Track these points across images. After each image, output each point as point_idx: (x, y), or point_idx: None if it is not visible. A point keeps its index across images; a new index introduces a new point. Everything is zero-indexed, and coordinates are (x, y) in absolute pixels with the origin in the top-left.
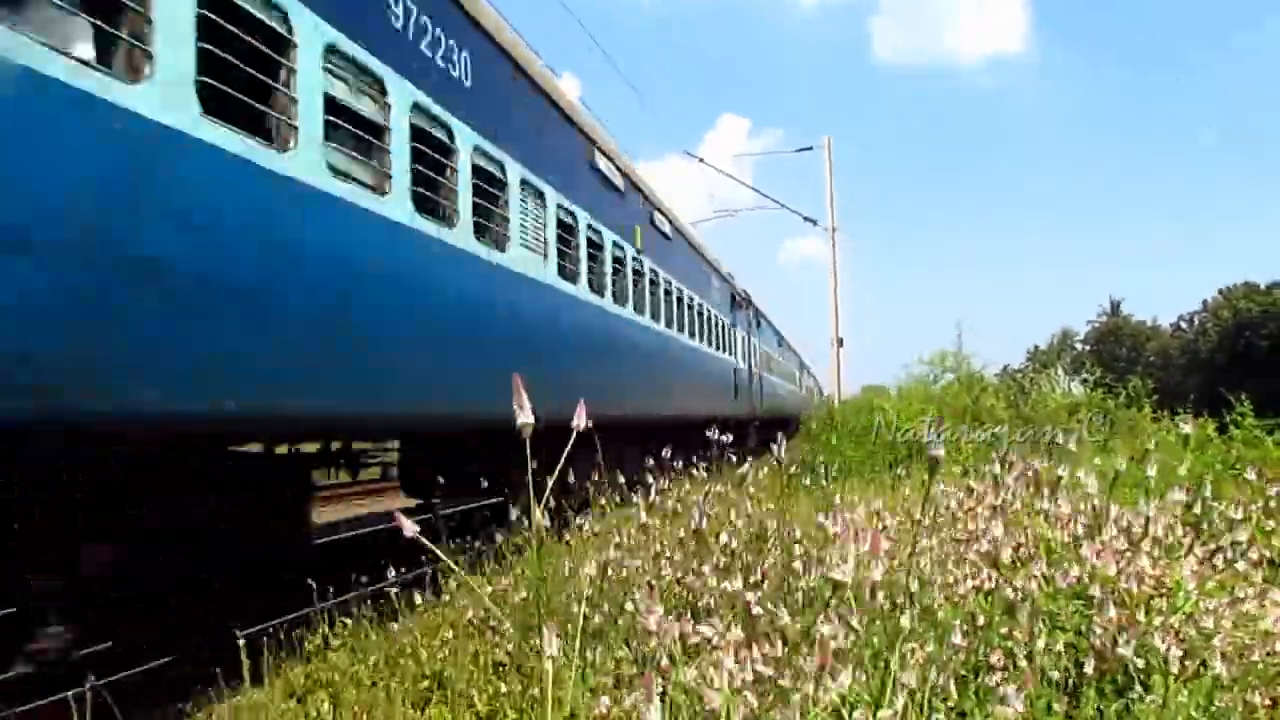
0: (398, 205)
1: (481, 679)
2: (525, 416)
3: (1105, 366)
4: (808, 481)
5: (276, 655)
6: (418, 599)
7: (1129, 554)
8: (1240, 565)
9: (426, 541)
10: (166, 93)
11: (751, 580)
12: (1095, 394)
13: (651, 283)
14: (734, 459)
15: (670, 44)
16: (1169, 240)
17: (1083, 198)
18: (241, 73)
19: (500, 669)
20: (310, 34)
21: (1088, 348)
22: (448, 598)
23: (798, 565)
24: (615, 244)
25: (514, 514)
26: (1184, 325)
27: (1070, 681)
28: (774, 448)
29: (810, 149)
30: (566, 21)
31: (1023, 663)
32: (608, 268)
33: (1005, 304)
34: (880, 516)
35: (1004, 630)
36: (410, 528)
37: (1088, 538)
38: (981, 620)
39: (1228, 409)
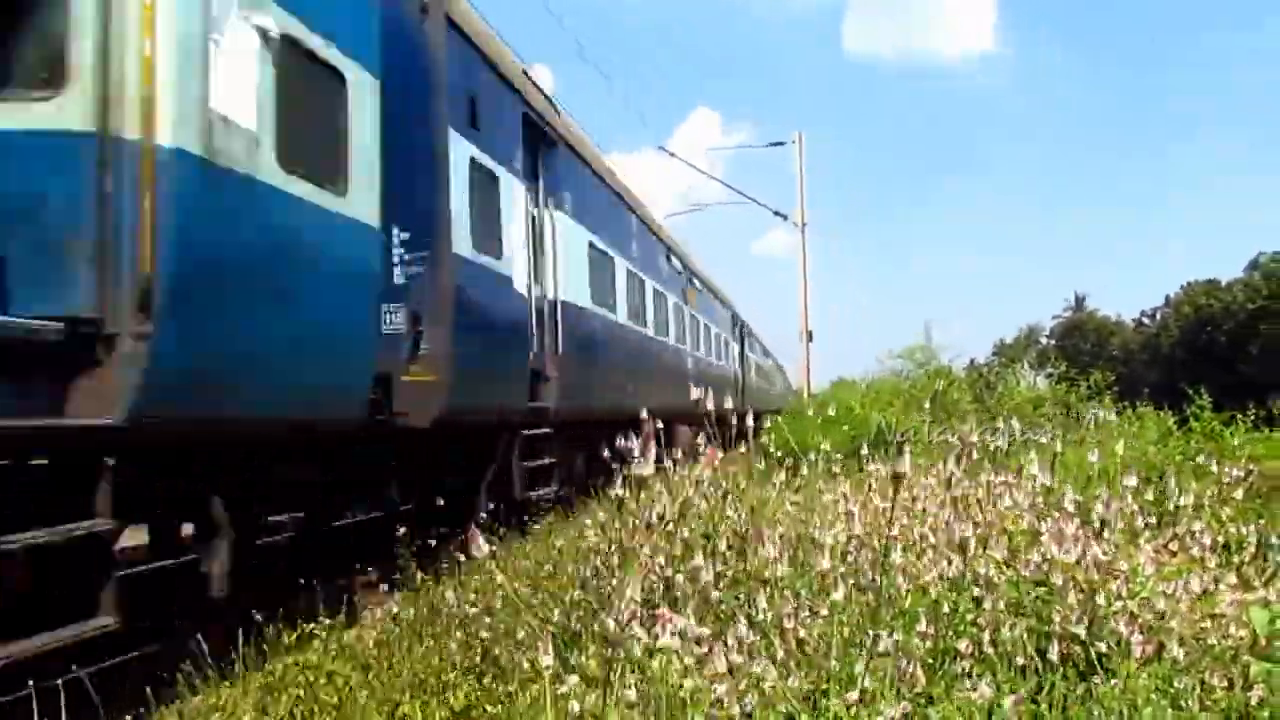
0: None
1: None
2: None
3: (1069, 360)
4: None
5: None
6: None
7: (1087, 540)
8: (1194, 551)
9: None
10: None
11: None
12: (1059, 388)
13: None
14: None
15: (648, 37)
16: (1134, 237)
17: (1055, 194)
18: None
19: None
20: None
21: (1053, 342)
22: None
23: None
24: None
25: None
26: (1146, 321)
27: (1035, 667)
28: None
29: (781, 144)
30: (545, 14)
31: (988, 649)
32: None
33: (976, 299)
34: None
35: (970, 617)
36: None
37: (1046, 520)
38: (947, 608)
39: (1188, 402)
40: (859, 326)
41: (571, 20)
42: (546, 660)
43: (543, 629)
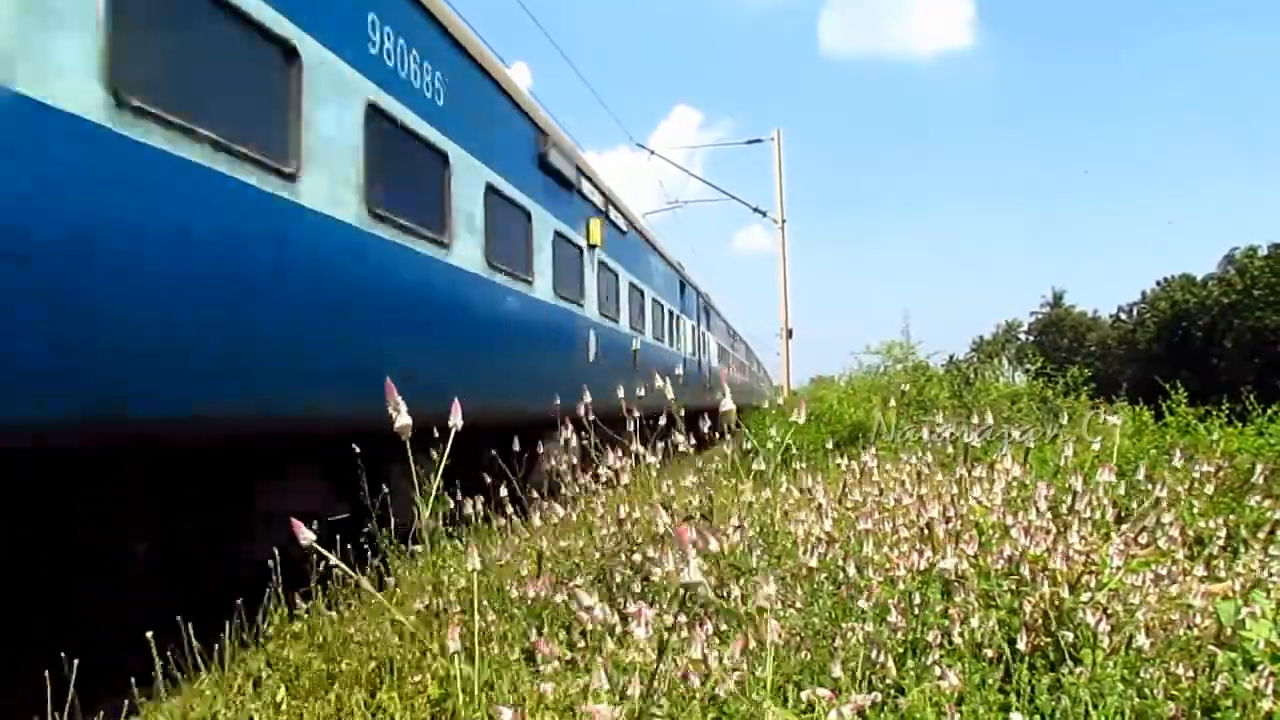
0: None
1: (433, 665)
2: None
3: (1047, 356)
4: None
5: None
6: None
7: (1056, 532)
8: (1162, 543)
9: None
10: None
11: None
12: (1036, 383)
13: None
14: None
15: (626, 34)
16: (1112, 233)
17: (1034, 191)
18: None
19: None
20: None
21: (1031, 338)
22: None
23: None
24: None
25: None
26: (1123, 316)
27: (1003, 657)
28: None
29: (760, 141)
30: (527, 8)
31: (958, 640)
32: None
33: (954, 294)
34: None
35: (939, 609)
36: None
37: (1014, 514)
38: (918, 599)
39: (1164, 397)
40: (843, 322)
41: (552, 16)
42: None
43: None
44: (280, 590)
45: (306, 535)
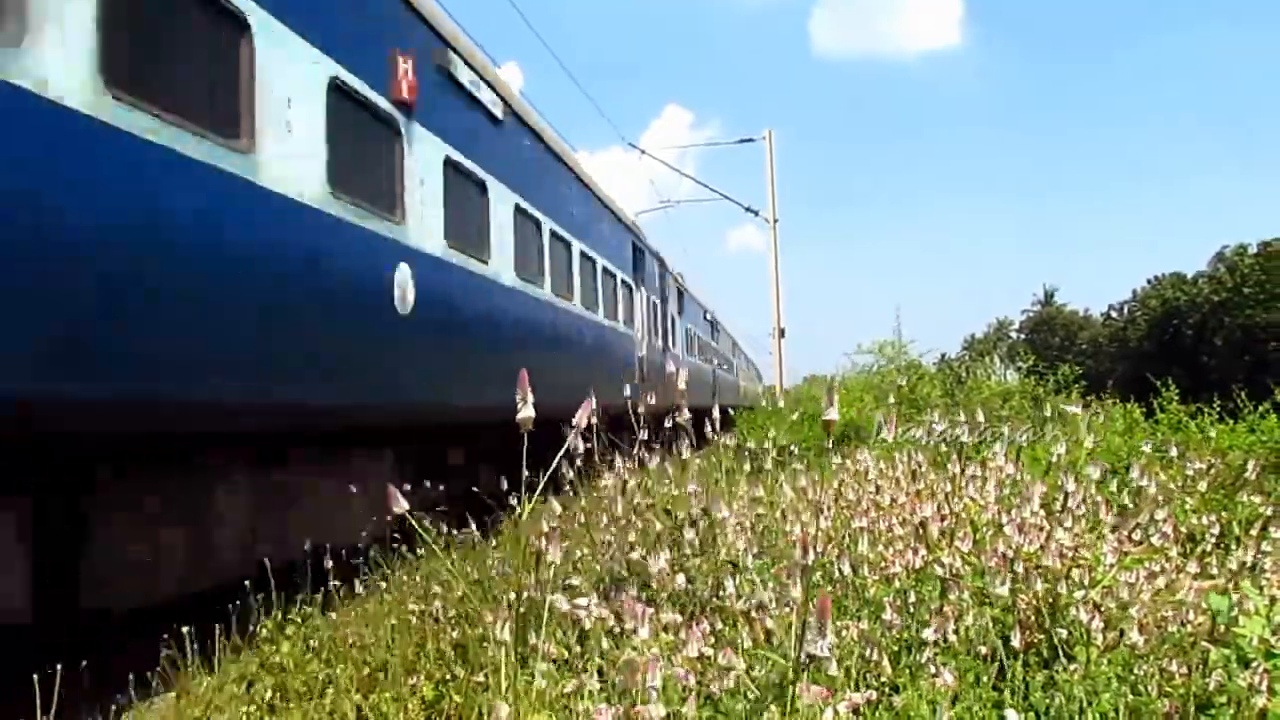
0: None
1: (428, 665)
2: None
3: (1039, 355)
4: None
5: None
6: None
7: (1049, 529)
8: (1155, 540)
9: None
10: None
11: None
12: (1028, 381)
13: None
14: None
15: (617, 33)
16: (1102, 231)
17: (1023, 190)
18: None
19: (444, 656)
20: None
21: (1023, 336)
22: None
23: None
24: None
25: None
26: (1114, 314)
27: (997, 654)
28: None
29: (751, 140)
30: (516, 9)
31: (952, 638)
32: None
33: (946, 292)
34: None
35: (934, 607)
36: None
37: (1008, 511)
38: (913, 597)
39: (1155, 395)
40: (836, 322)
41: (543, 16)
42: None
43: None
44: (275, 592)
45: (402, 504)
